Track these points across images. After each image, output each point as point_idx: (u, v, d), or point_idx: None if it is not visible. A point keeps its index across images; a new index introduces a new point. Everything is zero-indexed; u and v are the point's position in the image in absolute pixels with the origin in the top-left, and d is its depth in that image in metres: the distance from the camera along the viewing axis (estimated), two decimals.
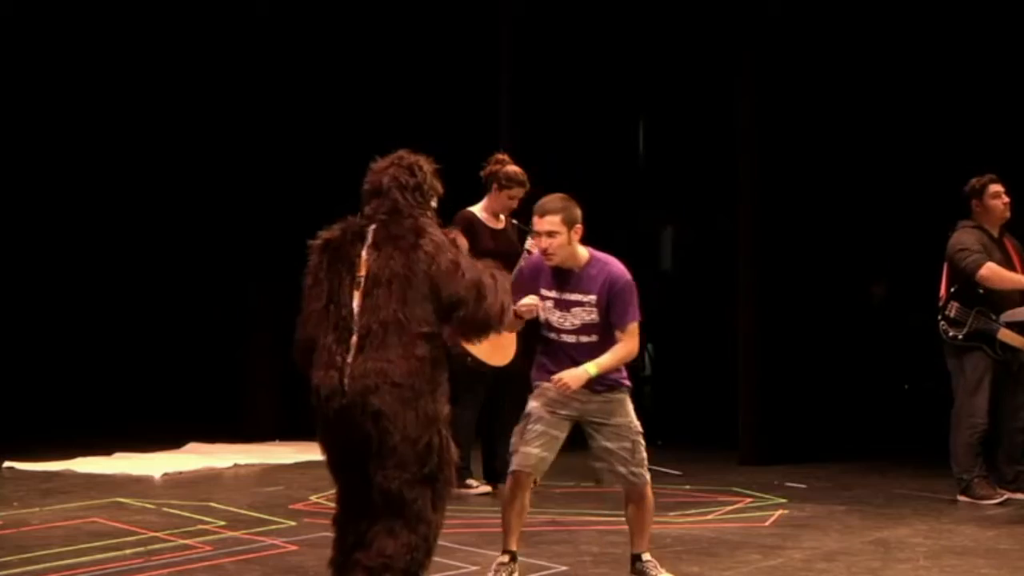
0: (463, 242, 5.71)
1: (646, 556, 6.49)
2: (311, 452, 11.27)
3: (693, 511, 8.38)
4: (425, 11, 12.72)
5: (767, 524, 7.98)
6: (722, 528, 7.87)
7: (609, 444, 6.39)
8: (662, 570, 6.47)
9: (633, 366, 11.10)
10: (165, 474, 10.09)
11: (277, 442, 12.03)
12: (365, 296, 5.15)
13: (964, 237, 8.71)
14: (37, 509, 8.40)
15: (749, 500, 8.85)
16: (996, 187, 8.76)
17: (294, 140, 12.83)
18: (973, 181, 8.81)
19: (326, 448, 5.36)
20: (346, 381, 5.10)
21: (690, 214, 14.37)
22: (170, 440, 11.52)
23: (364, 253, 5.23)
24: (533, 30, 11.95)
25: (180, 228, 14.01)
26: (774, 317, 10.87)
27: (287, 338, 13.80)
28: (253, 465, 10.71)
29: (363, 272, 5.20)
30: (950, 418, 8.83)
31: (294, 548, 7.16)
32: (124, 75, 13.44)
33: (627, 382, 6.49)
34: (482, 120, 11.24)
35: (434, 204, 5.47)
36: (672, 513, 8.30)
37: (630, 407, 6.49)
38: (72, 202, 13.60)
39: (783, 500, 8.80)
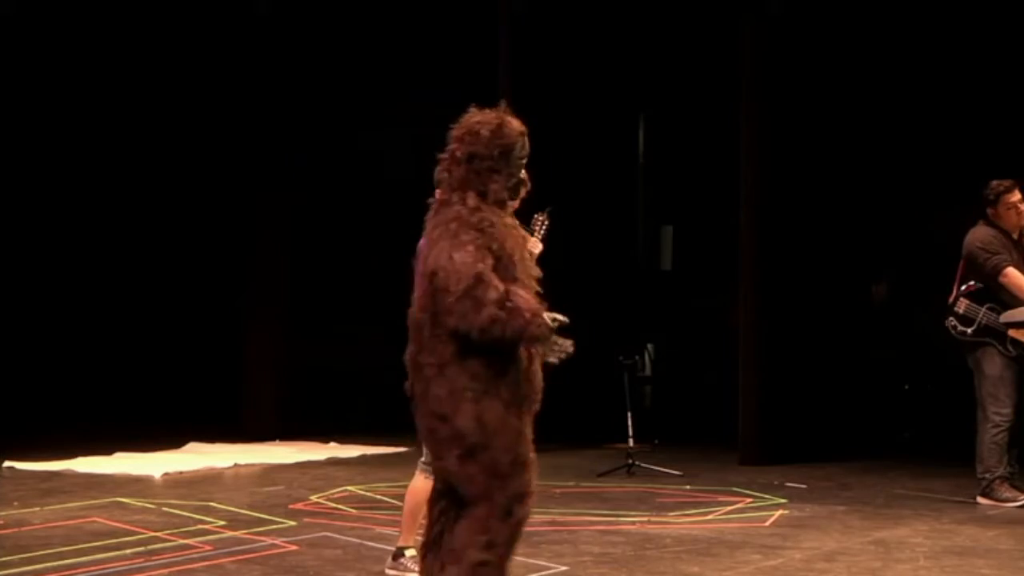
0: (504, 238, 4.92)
1: (411, 551, 6.28)
2: (311, 452, 11.40)
3: (693, 511, 8.38)
4: (424, 10, 12.72)
5: (767, 524, 7.97)
6: (722, 528, 7.87)
7: None
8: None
9: (632, 366, 11.19)
10: (165, 474, 10.09)
11: (277, 442, 12.04)
12: (417, 284, 4.91)
13: (984, 236, 8.66)
14: (37, 509, 8.40)
15: (749, 500, 8.85)
16: (1011, 198, 8.65)
17: (292, 141, 12.83)
18: (991, 187, 8.72)
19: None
20: (409, 369, 4.90)
21: (690, 214, 14.36)
22: (170, 440, 11.53)
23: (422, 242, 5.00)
24: (532, 29, 11.95)
25: (180, 229, 14.02)
26: (774, 317, 10.87)
27: (287, 338, 13.77)
28: (253, 465, 10.71)
29: (417, 260, 4.96)
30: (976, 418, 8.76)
31: (294, 548, 7.16)
32: (126, 80, 13.46)
33: None
34: None
35: (518, 159, 5.06)
36: (672, 513, 8.31)
37: None
38: (72, 203, 13.61)
39: (783, 500, 8.80)
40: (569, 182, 11.10)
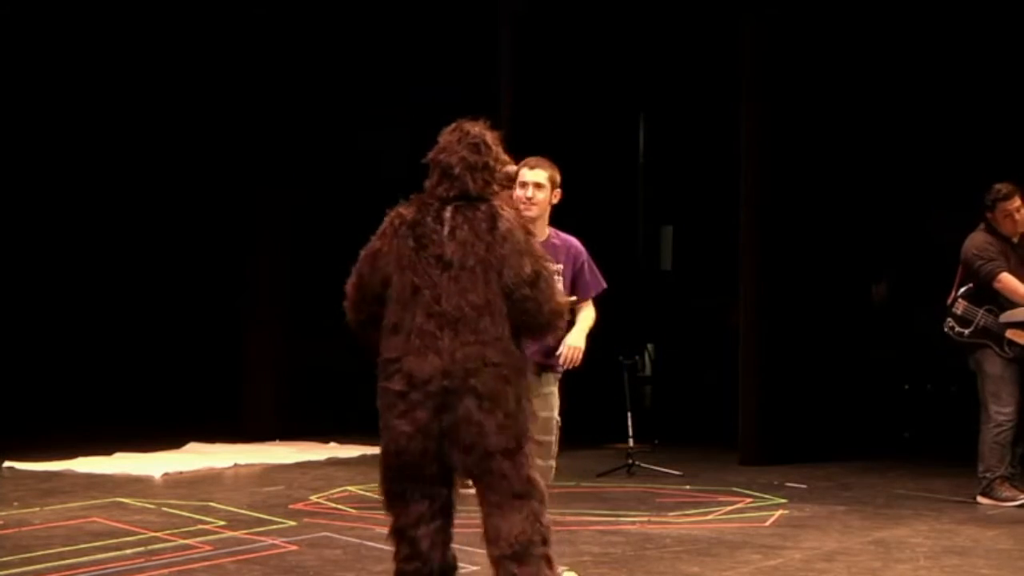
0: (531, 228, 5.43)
1: None
2: (311, 452, 11.40)
3: (693, 511, 8.38)
4: (424, 10, 12.72)
5: (767, 524, 7.97)
6: (722, 528, 7.87)
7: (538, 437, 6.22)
8: None
9: (632, 366, 11.20)
10: (165, 474, 10.09)
11: (277, 442, 12.04)
12: (454, 280, 5.08)
13: (980, 242, 8.64)
14: (37, 509, 8.40)
15: (749, 500, 8.85)
16: (1008, 205, 8.61)
17: (292, 140, 12.83)
18: (991, 193, 8.68)
19: (409, 435, 5.05)
20: (447, 363, 5.02)
21: (690, 214, 14.37)
22: (170, 440, 11.53)
23: (446, 237, 5.15)
24: (533, 29, 11.95)
25: (179, 229, 14.02)
26: (775, 317, 10.87)
27: (287, 338, 13.74)
28: (253, 465, 10.71)
29: (449, 255, 5.12)
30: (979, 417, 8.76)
31: (294, 548, 7.16)
32: (125, 79, 13.47)
33: (560, 369, 6.20)
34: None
35: (507, 169, 5.39)
36: (672, 513, 8.31)
37: (556, 400, 6.21)
38: (73, 204, 13.61)
39: (783, 500, 8.80)
40: (569, 182, 11.09)
